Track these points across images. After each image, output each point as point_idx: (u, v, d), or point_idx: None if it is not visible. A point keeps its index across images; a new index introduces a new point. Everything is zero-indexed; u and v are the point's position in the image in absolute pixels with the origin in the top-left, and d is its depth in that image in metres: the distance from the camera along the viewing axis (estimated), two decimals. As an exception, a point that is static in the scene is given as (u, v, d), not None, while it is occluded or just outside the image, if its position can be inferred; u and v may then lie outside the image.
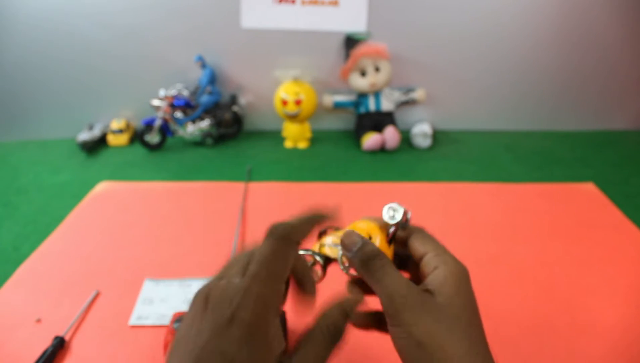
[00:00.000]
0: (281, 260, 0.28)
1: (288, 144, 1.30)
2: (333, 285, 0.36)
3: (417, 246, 0.33)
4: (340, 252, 0.34)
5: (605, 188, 0.98)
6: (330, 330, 0.28)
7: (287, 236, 0.30)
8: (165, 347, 0.57)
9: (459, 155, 1.23)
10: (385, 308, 0.29)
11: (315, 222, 0.33)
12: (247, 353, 0.24)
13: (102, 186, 1.02)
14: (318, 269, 0.35)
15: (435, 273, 0.30)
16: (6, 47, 1.29)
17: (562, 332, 0.62)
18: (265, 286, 0.27)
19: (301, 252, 0.35)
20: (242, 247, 0.81)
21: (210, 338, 0.24)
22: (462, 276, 0.30)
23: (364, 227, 0.34)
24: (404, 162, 1.18)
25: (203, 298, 0.26)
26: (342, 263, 0.34)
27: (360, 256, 0.31)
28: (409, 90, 1.35)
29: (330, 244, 0.35)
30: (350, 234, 0.32)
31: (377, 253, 0.30)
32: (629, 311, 0.66)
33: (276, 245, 0.29)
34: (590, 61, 1.38)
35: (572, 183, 1.02)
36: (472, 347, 0.27)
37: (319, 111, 1.35)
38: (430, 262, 0.31)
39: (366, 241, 0.31)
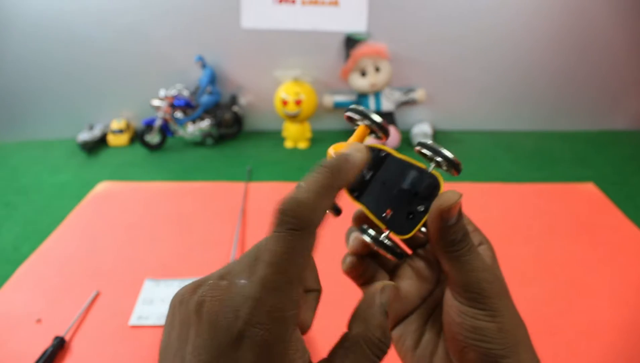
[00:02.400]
0: (298, 259, 0.21)
1: (288, 144, 1.30)
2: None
3: None
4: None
5: (605, 188, 0.98)
6: (374, 341, 0.22)
7: (303, 225, 0.22)
8: (166, 347, 0.57)
9: (459, 155, 1.22)
10: (468, 291, 0.25)
11: (337, 190, 0.23)
12: None
13: (102, 186, 1.02)
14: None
15: (481, 250, 0.28)
16: (6, 47, 1.29)
17: (562, 331, 0.62)
18: (280, 294, 0.20)
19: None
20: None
21: (212, 361, 0.19)
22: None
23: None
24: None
25: (196, 305, 0.21)
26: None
27: (456, 231, 0.25)
28: (409, 90, 1.35)
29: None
30: (455, 197, 0.25)
31: (467, 231, 0.26)
32: (629, 311, 0.66)
33: (291, 238, 0.21)
34: (589, 61, 1.38)
35: (572, 183, 1.02)
36: (528, 334, 0.27)
37: (319, 111, 1.35)
38: (471, 236, 0.28)
39: (461, 214, 0.25)
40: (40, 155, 1.27)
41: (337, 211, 0.27)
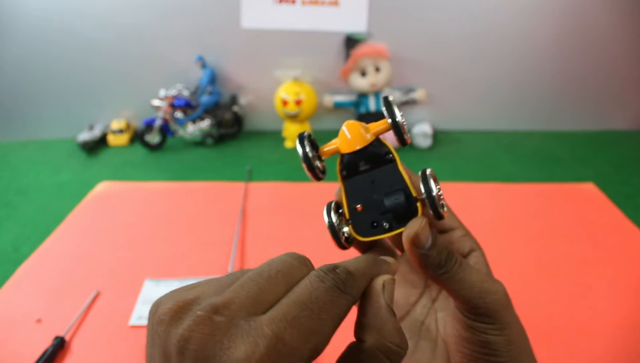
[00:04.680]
0: (335, 315, 0.19)
1: (288, 144, 1.30)
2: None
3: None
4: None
5: (605, 188, 0.98)
6: (393, 349, 0.21)
7: (348, 290, 0.20)
8: (166, 347, 0.57)
9: (459, 155, 1.23)
10: (475, 307, 0.25)
11: (370, 280, 0.23)
12: None
13: (102, 186, 1.01)
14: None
15: (474, 257, 0.28)
16: (6, 47, 1.29)
17: (562, 331, 0.62)
18: (306, 340, 0.18)
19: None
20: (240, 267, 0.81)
21: None
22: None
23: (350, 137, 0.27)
24: (404, 162, 1.18)
25: (180, 339, 0.17)
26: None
27: (438, 253, 0.24)
28: (409, 90, 1.35)
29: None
30: (419, 223, 0.24)
31: (449, 249, 0.25)
32: (629, 311, 0.66)
33: (334, 293, 0.20)
34: (589, 61, 1.38)
35: (572, 183, 1.02)
36: (529, 342, 0.27)
37: (319, 111, 1.35)
38: (462, 242, 0.28)
39: (436, 235, 0.25)
40: (40, 155, 1.27)
41: (317, 178, 0.27)
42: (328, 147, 0.28)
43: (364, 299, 0.22)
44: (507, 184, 1.02)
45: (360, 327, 0.22)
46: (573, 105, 1.44)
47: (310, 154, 0.27)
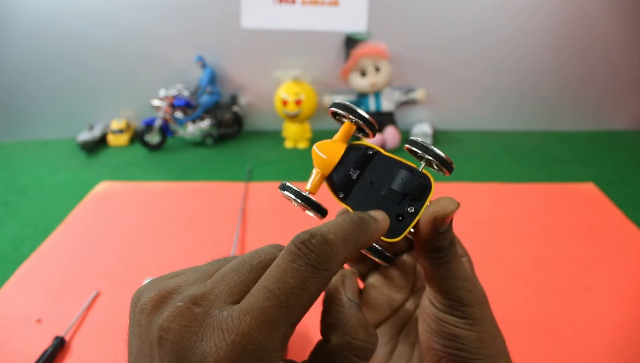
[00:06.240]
0: (306, 299, 0.18)
1: (288, 144, 1.30)
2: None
3: None
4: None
5: (605, 188, 0.98)
6: (359, 345, 0.20)
7: (324, 266, 0.19)
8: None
9: (459, 155, 1.23)
10: (448, 298, 0.25)
11: (358, 246, 0.21)
12: None
13: (102, 186, 1.01)
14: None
15: (464, 262, 0.27)
16: (6, 47, 1.29)
17: (562, 332, 0.62)
18: (273, 332, 0.17)
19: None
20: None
21: None
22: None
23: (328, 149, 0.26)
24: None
25: (159, 330, 0.18)
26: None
27: (445, 238, 0.24)
28: (409, 90, 1.35)
29: None
30: (453, 204, 0.23)
31: (454, 239, 0.25)
32: (629, 311, 0.66)
33: (307, 275, 0.18)
34: (589, 61, 1.38)
35: (572, 183, 1.02)
36: (506, 346, 0.27)
37: (319, 111, 1.35)
38: None
39: (451, 222, 0.25)
40: (40, 155, 1.27)
41: (323, 213, 0.25)
42: (311, 181, 0.26)
43: (325, 296, 0.21)
44: (507, 184, 1.02)
45: (324, 326, 0.20)
46: (573, 105, 1.44)
47: (305, 193, 0.25)
